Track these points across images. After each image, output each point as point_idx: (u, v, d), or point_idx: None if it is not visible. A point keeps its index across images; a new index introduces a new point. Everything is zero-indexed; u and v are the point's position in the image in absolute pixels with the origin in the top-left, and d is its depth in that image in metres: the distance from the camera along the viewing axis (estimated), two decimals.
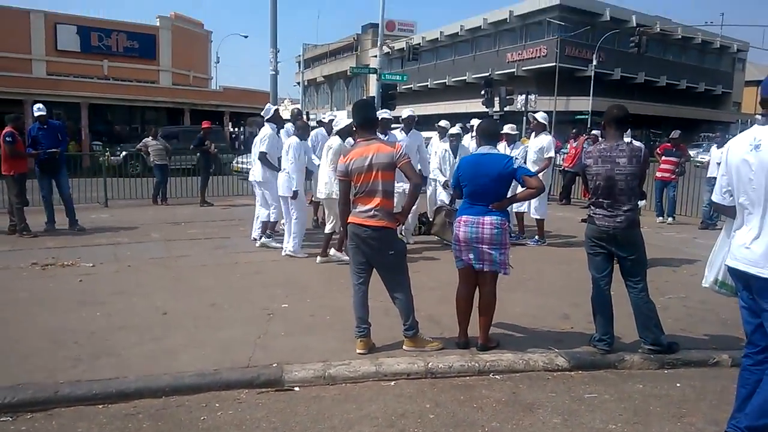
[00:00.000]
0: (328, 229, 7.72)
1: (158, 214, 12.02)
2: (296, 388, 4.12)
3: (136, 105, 30.35)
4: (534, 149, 9.15)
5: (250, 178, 9.08)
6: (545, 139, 9.15)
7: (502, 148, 9.03)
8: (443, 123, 9.67)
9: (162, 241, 9.27)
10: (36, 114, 9.74)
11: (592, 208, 4.63)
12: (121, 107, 30.26)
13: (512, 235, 9.11)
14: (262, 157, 8.45)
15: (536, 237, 9.19)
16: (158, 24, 35.50)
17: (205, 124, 14.62)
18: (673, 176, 11.74)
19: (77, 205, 10.59)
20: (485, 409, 3.86)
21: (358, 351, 4.58)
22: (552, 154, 9.29)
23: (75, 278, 6.84)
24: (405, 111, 9.68)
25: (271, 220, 8.70)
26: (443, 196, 8.76)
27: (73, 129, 26.84)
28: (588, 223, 4.71)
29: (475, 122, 9.66)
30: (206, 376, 4.15)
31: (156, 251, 8.46)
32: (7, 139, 9.11)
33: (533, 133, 9.44)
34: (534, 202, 8.59)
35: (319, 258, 7.73)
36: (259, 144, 8.61)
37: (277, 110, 9.16)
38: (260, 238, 8.73)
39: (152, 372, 4.17)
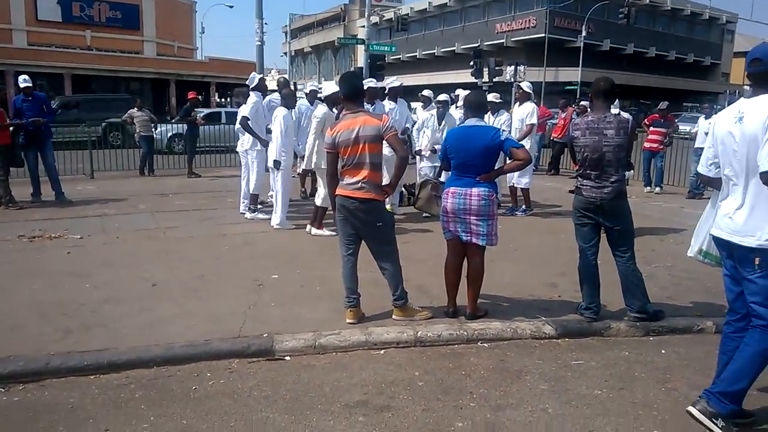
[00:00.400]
0: (318, 201, 7.65)
1: (145, 186, 11.93)
2: (287, 358, 4.16)
3: (120, 76, 29.93)
4: (518, 118, 9.15)
5: (238, 149, 9.01)
6: (528, 107, 9.15)
7: (487, 117, 9.02)
8: (426, 92, 9.62)
9: (150, 212, 9.21)
10: (21, 85, 9.58)
11: (580, 179, 4.67)
12: (105, 78, 29.82)
13: (508, 208, 9.18)
14: (244, 122, 8.32)
15: (523, 206, 9.23)
16: None
17: (191, 95, 14.43)
18: (661, 147, 11.80)
19: (63, 177, 10.47)
20: (473, 376, 3.92)
21: (347, 321, 4.61)
22: (534, 120, 9.30)
23: (63, 250, 6.80)
24: (391, 80, 9.62)
25: (253, 191, 8.63)
26: (425, 168, 8.75)
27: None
28: (575, 194, 4.75)
29: (460, 92, 9.62)
30: (197, 346, 4.18)
31: (144, 223, 8.42)
32: None
33: (517, 103, 9.43)
34: (518, 173, 8.60)
35: (313, 230, 7.69)
36: (242, 110, 8.51)
37: (262, 78, 9.05)
38: (248, 212, 8.70)
39: (143, 343, 4.19)
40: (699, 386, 3.77)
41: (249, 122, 8.31)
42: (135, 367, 3.94)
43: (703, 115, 12.02)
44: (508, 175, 8.34)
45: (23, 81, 9.60)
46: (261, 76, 9.30)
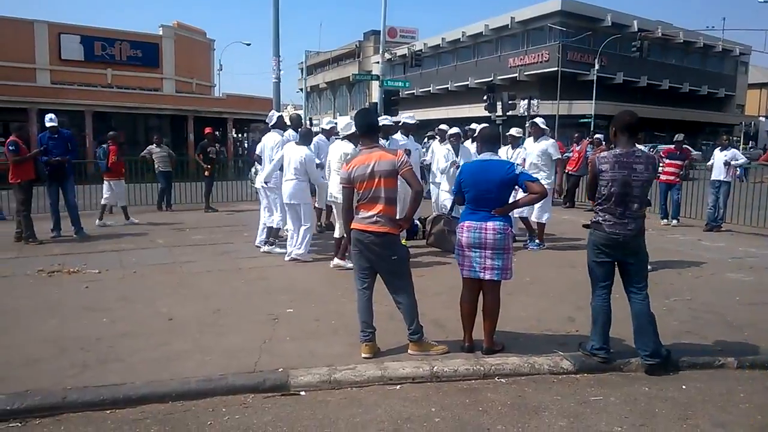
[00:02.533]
0: (337, 233, 7.71)
1: (163, 220, 12.05)
2: (302, 393, 4.13)
3: (139, 113, 30.49)
4: (536, 152, 9.14)
5: (257, 185, 9.12)
6: (547, 143, 9.15)
7: (505, 151, 9.07)
8: (443, 126, 9.70)
9: (167, 247, 9.31)
10: (48, 125, 9.86)
11: (601, 214, 4.55)
12: (124, 115, 30.41)
13: (529, 238, 9.15)
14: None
15: (536, 240, 9.19)
16: (161, 33, 35.71)
17: (208, 131, 14.68)
18: (677, 179, 11.74)
19: (83, 212, 10.63)
20: (491, 412, 3.87)
21: (363, 355, 4.59)
22: (558, 155, 9.33)
23: (81, 285, 6.87)
24: (406, 115, 9.73)
25: (274, 226, 8.72)
26: (446, 202, 8.77)
27: (78, 137, 27.02)
28: (594, 230, 4.62)
29: (475, 126, 9.70)
30: (213, 381, 4.17)
31: (161, 257, 8.50)
32: (11, 148, 9.19)
33: (532, 138, 9.45)
34: (538, 205, 8.58)
35: (333, 261, 7.73)
36: (272, 151, 8.64)
37: (281, 116, 9.21)
38: (264, 245, 8.77)
39: (159, 377, 4.19)
40: (722, 423, 3.71)
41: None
42: (151, 401, 3.93)
43: (719, 147, 11.96)
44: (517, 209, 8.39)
45: (50, 120, 9.87)
46: (280, 114, 9.47)
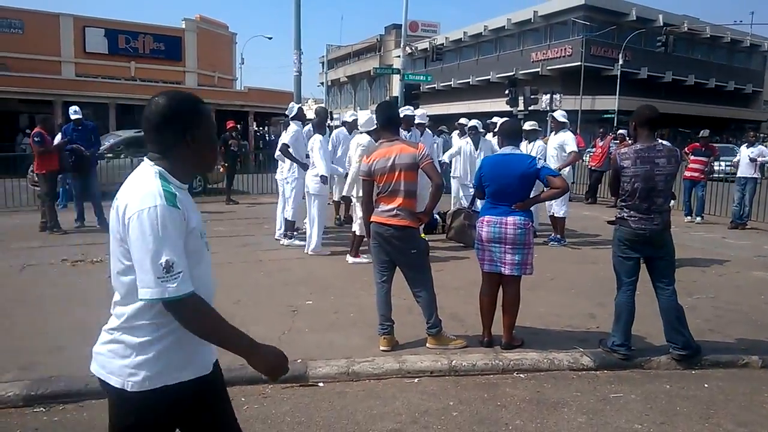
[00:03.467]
0: (358, 231, 7.66)
1: None
2: (320, 384, 4.16)
3: None
4: (554, 146, 9.09)
5: (277, 176, 9.16)
6: (565, 135, 9.09)
7: (523, 144, 8.99)
8: (463, 120, 9.65)
9: None
10: (72, 117, 10.00)
11: (626, 210, 4.50)
12: None
13: (549, 237, 9.07)
14: (284, 149, 8.47)
15: (552, 235, 9.12)
16: (184, 26, 35.94)
17: (230, 124, 14.78)
18: (702, 176, 11.56)
19: (106, 203, 10.73)
20: (509, 407, 3.85)
21: (381, 348, 4.60)
22: (575, 148, 9.21)
23: (104, 274, 6.93)
24: (419, 113, 9.66)
25: (290, 218, 8.74)
26: (462, 199, 8.75)
27: (101, 130, 27.35)
28: (620, 226, 4.57)
29: (496, 120, 9.64)
30: (232, 370, 4.18)
31: None
32: (36, 139, 9.36)
33: (553, 132, 9.39)
34: (555, 200, 8.50)
35: (350, 258, 7.73)
36: (283, 138, 8.67)
37: (300, 108, 9.23)
38: (284, 238, 8.81)
39: None
40: (744, 423, 3.66)
41: (289, 149, 8.44)
42: None
43: (746, 144, 11.75)
44: (546, 204, 8.31)
45: (74, 113, 10.02)
46: (299, 105, 9.49)
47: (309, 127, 9.27)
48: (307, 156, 8.39)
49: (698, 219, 11.69)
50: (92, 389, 3.88)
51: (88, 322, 5.13)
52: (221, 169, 14.08)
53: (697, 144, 11.97)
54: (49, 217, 9.56)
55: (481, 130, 9.23)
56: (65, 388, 3.89)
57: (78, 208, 10.10)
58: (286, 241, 8.78)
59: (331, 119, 18.03)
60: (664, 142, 4.63)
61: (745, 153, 11.36)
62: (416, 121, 9.46)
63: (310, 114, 11.69)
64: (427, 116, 9.82)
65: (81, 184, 10.03)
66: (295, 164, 8.48)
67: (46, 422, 3.61)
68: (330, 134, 9.91)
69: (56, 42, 31.10)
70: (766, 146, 12.33)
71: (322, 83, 71.16)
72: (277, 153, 8.78)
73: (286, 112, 9.20)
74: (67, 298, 5.97)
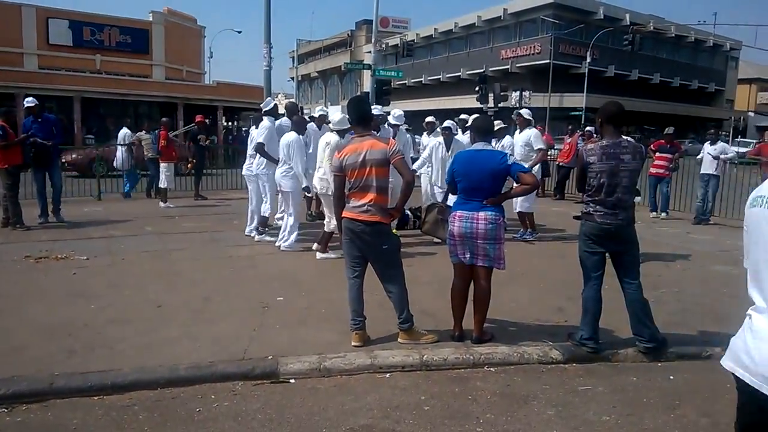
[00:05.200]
0: (328, 227, 7.62)
1: (152, 208, 11.97)
2: (292, 380, 4.13)
3: (128, 99, 30.17)
4: (520, 143, 9.17)
5: (244, 172, 9.06)
6: (531, 132, 9.18)
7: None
8: (430, 119, 9.68)
9: (156, 234, 9.24)
10: (26, 105, 9.68)
11: (592, 205, 4.57)
12: (113, 101, 30.06)
13: (519, 233, 9.14)
14: (260, 148, 8.39)
15: (529, 230, 9.21)
16: (151, 19, 35.34)
17: (199, 119, 14.59)
18: (667, 172, 11.79)
19: (70, 198, 10.56)
20: (480, 401, 3.88)
21: (353, 344, 4.59)
22: (542, 145, 9.31)
23: (69, 271, 6.82)
24: (395, 112, 9.68)
25: (266, 214, 8.68)
26: (437, 195, 8.75)
27: (65, 123, 26.77)
28: (585, 221, 4.64)
29: (465, 117, 9.68)
30: (202, 368, 4.16)
31: (150, 245, 8.44)
32: None
33: (518, 129, 9.48)
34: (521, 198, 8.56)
35: (318, 254, 7.69)
36: (257, 136, 8.57)
37: (276, 105, 9.15)
38: (255, 234, 8.74)
39: (147, 364, 4.17)
40: (708, 413, 3.75)
41: (264, 147, 8.35)
42: (139, 388, 3.92)
43: (708, 141, 12.02)
44: (513, 201, 8.37)
45: (27, 102, 9.70)
46: (276, 102, 9.44)
47: (279, 122, 9.16)
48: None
49: (663, 215, 11.92)
50: (56, 388, 3.81)
51: (51, 321, 5.05)
52: (189, 165, 13.95)
53: (662, 141, 12.20)
54: (12, 212, 9.30)
55: (455, 132, 9.25)
56: (28, 388, 3.79)
57: (40, 204, 9.85)
58: (257, 237, 8.70)
59: (302, 113, 17.85)
60: (629, 139, 4.70)
61: (707, 150, 11.61)
62: (391, 122, 9.45)
63: (280, 109, 11.60)
64: (404, 116, 9.80)
65: (42, 177, 9.79)
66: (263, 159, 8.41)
67: (9, 423, 3.51)
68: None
69: (18, 33, 30.28)
70: (727, 143, 12.62)
71: (293, 78, 70.80)
72: (251, 151, 8.69)
73: (262, 105, 9.12)
74: (30, 295, 5.82)
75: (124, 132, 13.99)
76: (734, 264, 7.84)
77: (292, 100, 20.32)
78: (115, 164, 14.31)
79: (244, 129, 31.64)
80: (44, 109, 10.09)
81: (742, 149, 21.48)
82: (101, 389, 3.86)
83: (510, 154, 5.10)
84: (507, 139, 9.33)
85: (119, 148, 13.84)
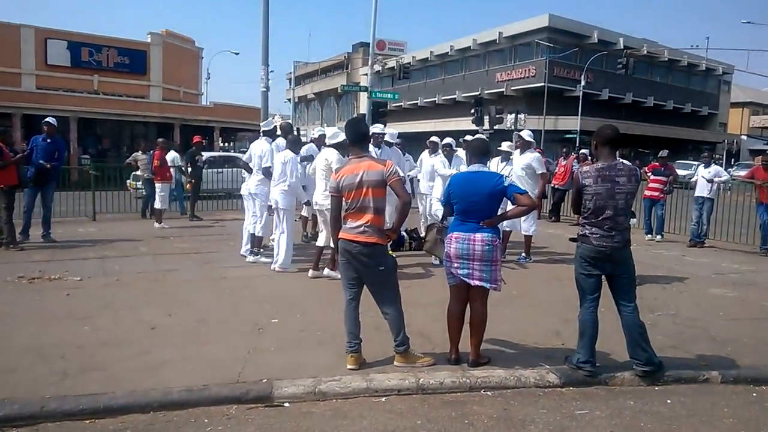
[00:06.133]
0: (320, 242, 7.70)
1: (147, 228, 11.94)
2: (286, 404, 4.08)
3: (125, 120, 30.29)
4: (521, 165, 9.15)
5: (243, 192, 9.07)
6: (532, 156, 9.16)
7: (495, 163, 9.05)
8: (434, 139, 9.72)
9: (150, 255, 9.21)
10: (48, 122, 10.03)
11: (588, 227, 4.58)
12: (110, 122, 30.20)
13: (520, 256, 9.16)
14: (267, 172, 8.40)
15: (522, 254, 9.20)
16: (149, 40, 35.60)
17: (196, 139, 14.62)
18: (662, 195, 11.85)
19: (65, 218, 10.53)
20: (476, 425, 3.84)
21: (348, 367, 4.55)
22: (543, 170, 9.30)
23: (62, 292, 6.77)
24: (389, 131, 9.69)
25: (259, 234, 8.66)
26: (438, 212, 8.72)
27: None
28: (582, 243, 4.65)
29: (470, 138, 9.74)
30: (195, 391, 4.11)
31: (144, 265, 8.40)
32: None
33: (518, 151, 9.49)
34: (524, 218, 8.59)
35: (311, 272, 7.71)
36: (260, 159, 8.56)
37: (276, 127, 9.21)
38: (250, 255, 8.71)
39: (140, 387, 4.12)
40: None
41: (271, 170, 8.33)
42: (131, 411, 3.86)
43: (702, 164, 12.10)
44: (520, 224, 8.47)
45: (49, 121, 10.09)
46: (276, 124, 9.52)
47: (276, 142, 9.18)
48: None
49: (658, 237, 11.95)
50: (47, 412, 3.75)
51: (44, 342, 5.00)
52: (188, 185, 13.94)
53: (657, 164, 12.28)
54: (6, 232, 9.26)
55: (455, 149, 9.29)
56: (18, 411, 3.73)
57: (25, 221, 9.83)
58: (252, 258, 8.68)
59: (299, 134, 17.87)
60: (625, 162, 4.73)
61: (702, 172, 11.68)
62: (385, 139, 9.50)
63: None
64: (398, 136, 9.87)
65: (34, 196, 9.84)
66: (263, 179, 8.42)
67: None
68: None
69: (16, 53, 30.43)
70: (721, 166, 12.69)
71: (290, 99, 71.24)
72: (261, 176, 8.65)
73: (262, 125, 9.18)
74: (22, 316, 5.77)
75: (173, 155, 13.82)
76: (730, 287, 7.87)
77: (289, 120, 20.33)
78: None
79: (241, 150, 31.72)
80: (38, 130, 10.22)
81: (742, 172, 21.68)
82: (93, 413, 3.80)
83: (509, 176, 5.12)
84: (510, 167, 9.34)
85: (171, 169, 13.67)
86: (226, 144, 38.09)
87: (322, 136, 9.95)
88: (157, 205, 12.46)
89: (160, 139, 13.48)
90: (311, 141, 10.48)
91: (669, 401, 4.32)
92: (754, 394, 4.51)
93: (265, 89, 16.99)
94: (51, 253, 9.05)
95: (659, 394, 4.45)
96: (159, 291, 6.98)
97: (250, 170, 9.00)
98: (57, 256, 8.91)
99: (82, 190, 13.88)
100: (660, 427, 3.89)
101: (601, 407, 4.18)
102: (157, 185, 12.52)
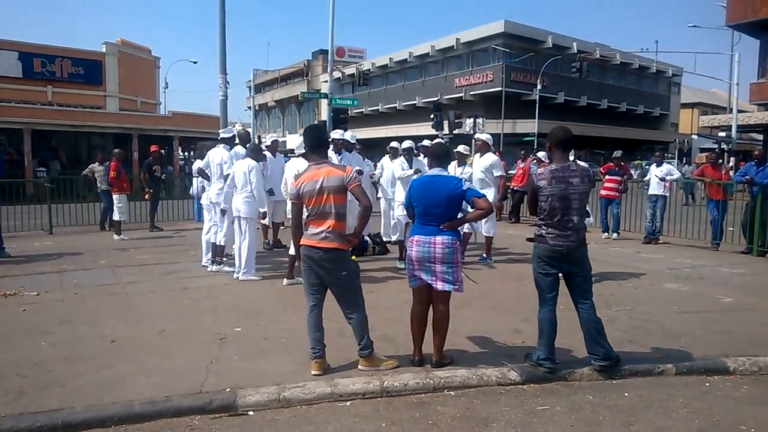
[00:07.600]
0: (292, 250, 7.63)
1: (105, 241, 11.71)
2: (250, 413, 4.06)
3: (81, 131, 29.61)
4: (480, 168, 9.28)
5: (203, 201, 8.98)
6: (491, 158, 9.30)
7: (453, 167, 9.15)
8: (394, 144, 9.80)
9: (109, 267, 9.03)
10: None
11: (544, 227, 4.69)
12: (66, 133, 29.50)
13: (481, 257, 9.28)
14: (232, 182, 8.31)
15: (483, 255, 9.33)
16: (104, 50, 34.92)
17: (154, 149, 14.41)
18: (617, 194, 12.16)
19: (20, 233, 10.25)
20: (441, 425, 3.89)
21: (312, 372, 4.56)
22: (501, 172, 9.47)
23: (18, 308, 6.59)
24: (347, 134, 9.63)
25: (221, 243, 8.58)
26: (399, 215, 8.78)
27: (13, 156, 26.17)
28: (538, 243, 4.76)
29: (427, 143, 9.86)
30: (157, 403, 4.06)
31: (103, 278, 8.23)
32: None
33: (478, 154, 9.64)
34: (485, 220, 8.71)
35: (285, 280, 7.67)
36: (219, 167, 8.48)
37: (234, 135, 9.14)
38: (212, 264, 8.63)
39: (101, 401, 4.05)
40: (662, 428, 3.84)
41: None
42: (92, 427, 3.80)
43: (655, 163, 12.47)
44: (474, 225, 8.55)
45: None
46: (237, 131, 9.50)
47: (234, 150, 9.10)
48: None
49: (614, 235, 12.26)
50: (2, 431, 3.66)
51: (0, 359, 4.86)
52: (146, 196, 13.71)
53: (612, 164, 12.60)
54: None
55: (415, 152, 9.38)
56: None
57: None
58: (214, 267, 8.59)
59: (260, 142, 17.70)
60: (579, 162, 4.85)
61: (654, 172, 12.03)
62: (346, 139, 9.52)
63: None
64: (356, 139, 9.89)
65: None
66: (224, 188, 8.36)
67: None
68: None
69: None
70: (672, 165, 13.08)
71: (250, 107, 70.65)
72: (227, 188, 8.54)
73: (222, 132, 9.11)
74: None
75: (198, 164, 13.46)
76: (683, 281, 8.13)
77: (248, 129, 20.14)
78: (191, 192, 13.89)
79: (198, 157, 31.29)
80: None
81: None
82: (51, 429, 3.73)
83: (465, 180, 5.20)
84: (468, 168, 9.45)
85: (194, 179, 13.33)
86: (186, 153, 37.54)
87: (275, 142, 10.01)
88: (116, 216, 12.21)
89: (116, 150, 13.21)
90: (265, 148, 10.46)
91: (626, 394, 4.44)
92: (707, 384, 4.67)
93: (223, 97, 16.85)
94: (6, 269, 8.80)
95: (617, 387, 4.57)
96: (119, 304, 6.85)
97: (207, 177, 8.92)
98: (12, 271, 8.66)
99: (38, 203, 13.53)
100: (618, 419, 4.01)
101: (561, 402, 4.27)
102: (115, 197, 12.25)
